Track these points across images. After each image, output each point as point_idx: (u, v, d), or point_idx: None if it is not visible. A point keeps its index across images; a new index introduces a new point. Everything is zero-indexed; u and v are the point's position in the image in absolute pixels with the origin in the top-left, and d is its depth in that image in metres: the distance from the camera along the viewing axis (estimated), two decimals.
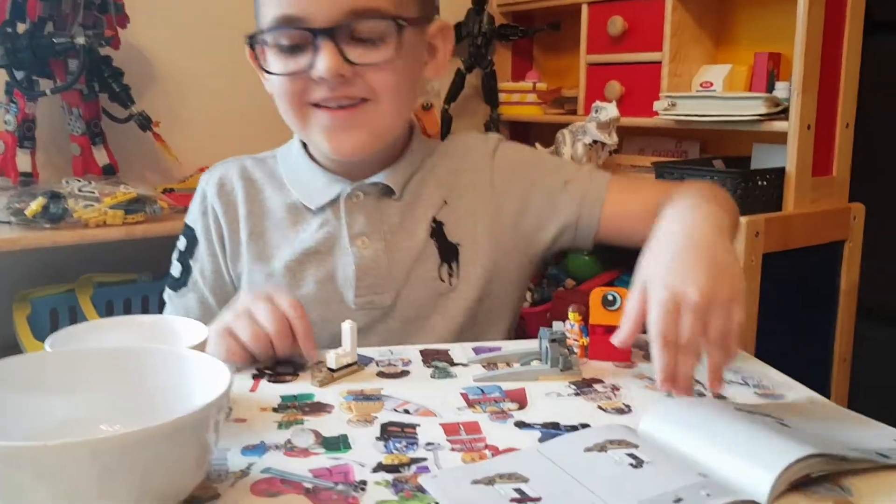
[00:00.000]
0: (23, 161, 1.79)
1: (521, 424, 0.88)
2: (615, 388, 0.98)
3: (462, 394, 0.97)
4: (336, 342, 1.12)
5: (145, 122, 1.88)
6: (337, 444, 0.83)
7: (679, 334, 0.84)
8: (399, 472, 0.76)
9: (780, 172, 1.65)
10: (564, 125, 2.07)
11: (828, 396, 0.97)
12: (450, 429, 0.86)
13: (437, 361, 1.09)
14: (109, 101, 1.90)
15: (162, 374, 0.78)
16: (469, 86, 2.54)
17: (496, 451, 0.81)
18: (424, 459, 0.79)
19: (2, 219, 1.66)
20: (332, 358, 1.01)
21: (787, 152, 1.65)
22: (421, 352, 1.12)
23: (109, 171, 1.89)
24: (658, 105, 1.87)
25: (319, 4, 1.10)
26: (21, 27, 1.71)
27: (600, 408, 0.92)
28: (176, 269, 1.32)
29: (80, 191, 1.66)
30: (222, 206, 1.29)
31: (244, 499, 0.71)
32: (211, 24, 2.03)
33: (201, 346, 0.89)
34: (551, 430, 0.86)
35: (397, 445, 0.82)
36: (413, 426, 0.87)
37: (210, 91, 2.06)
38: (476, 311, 1.27)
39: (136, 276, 1.88)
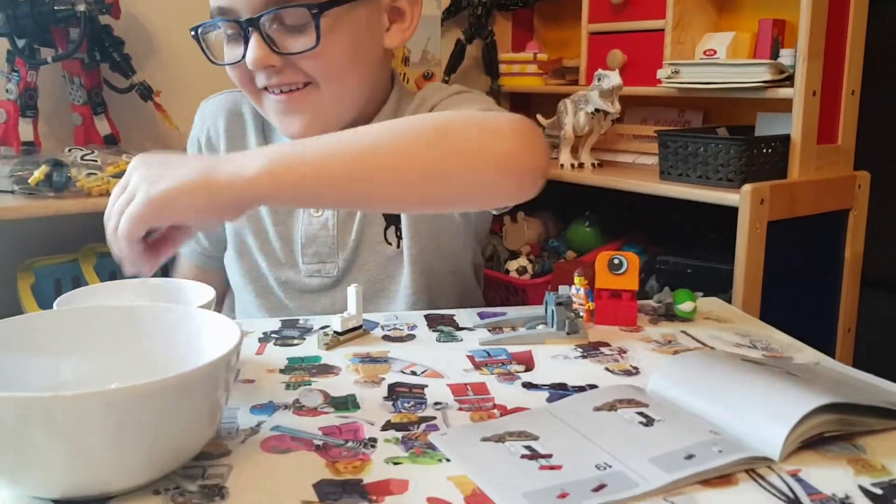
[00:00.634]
0: (25, 130, 1.78)
1: (528, 385, 0.88)
2: (622, 351, 0.98)
3: (468, 356, 0.97)
4: (298, 305, 1.19)
5: (146, 92, 1.87)
6: (345, 403, 0.83)
7: None
8: (408, 430, 0.76)
9: (786, 140, 1.64)
10: (566, 96, 2.06)
11: None
12: (457, 389, 0.87)
13: (443, 326, 1.09)
14: (110, 71, 1.89)
15: (172, 332, 0.78)
16: (469, 57, 2.52)
17: (504, 411, 0.81)
18: (433, 418, 0.79)
19: (5, 188, 1.65)
20: (338, 321, 1.01)
21: (791, 120, 1.64)
22: (426, 316, 1.13)
23: (111, 141, 1.88)
24: (661, 73, 1.85)
25: None
26: None
27: (608, 370, 0.92)
28: None
29: (82, 159, 1.65)
30: (206, 143, 1.31)
31: (255, 455, 0.71)
32: None
33: (209, 306, 0.88)
34: (559, 390, 0.86)
35: (406, 405, 0.82)
36: (421, 387, 0.87)
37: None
38: (428, 274, 1.25)
39: None
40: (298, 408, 0.82)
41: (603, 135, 2.04)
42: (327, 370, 0.92)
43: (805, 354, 0.97)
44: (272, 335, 1.05)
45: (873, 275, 1.83)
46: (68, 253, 1.84)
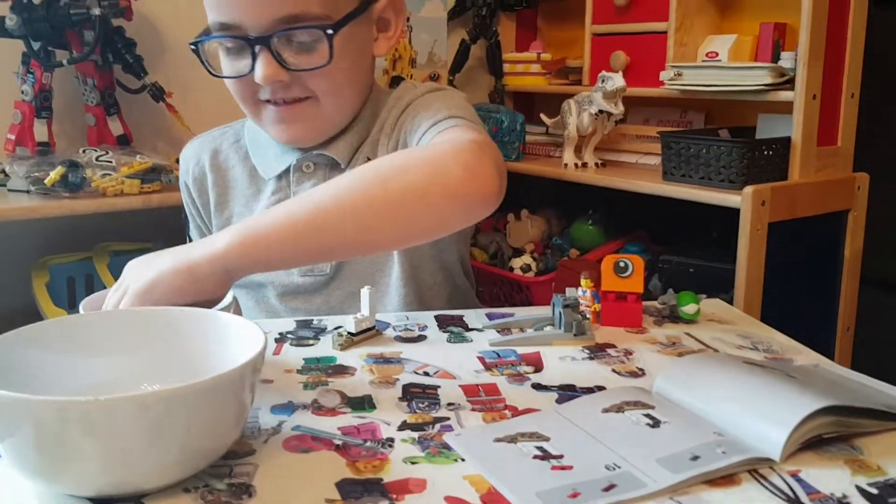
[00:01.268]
0: (40, 131, 1.80)
1: (538, 386, 0.91)
2: (628, 353, 1.01)
3: (479, 357, 1.00)
4: (289, 307, 1.24)
5: (158, 93, 1.90)
6: (362, 403, 0.86)
7: None
8: (424, 430, 0.79)
9: (786, 142, 1.67)
10: (569, 95, 2.09)
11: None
12: (469, 390, 0.90)
13: (453, 327, 1.12)
14: (123, 72, 1.91)
15: (197, 335, 0.81)
16: (473, 57, 2.55)
17: (516, 412, 0.84)
18: (447, 419, 0.82)
19: (21, 187, 1.68)
20: (352, 323, 1.04)
21: (792, 122, 1.67)
22: (436, 317, 1.15)
23: (124, 141, 1.91)
24: (664, 75, 1.88)
25: (251, 13, 1.11)
26: None
27: (614, 371, 0.95)
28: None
29: (97, 160, 1.68)
30: (194, 183, 1.34)
31: (278, 454, 0.74)
32: None
33: (227, 309, 0.91)
34: (568, 391, 0.89)
35: (420, 405, 0.85)
36: (434, 387, 0.90)
37: None
38: (416, 267, 1.28)
39: (151, 244, 1.90)
40: (317, 408, 0.85)
41: (606, 135, 2.07)
42: (343, 371, 0.95)
43: (805, 356, 1.00)
44: (288, 335, 1.08)
45: (872, 274, 1.86)
46: (82, 251, 1.87)
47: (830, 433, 0.75)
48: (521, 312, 1.16)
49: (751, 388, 0.80)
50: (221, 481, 0.69)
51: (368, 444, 0.76)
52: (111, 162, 1.69)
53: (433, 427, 0.80)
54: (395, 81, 2.27)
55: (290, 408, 0.85)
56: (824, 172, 1.73)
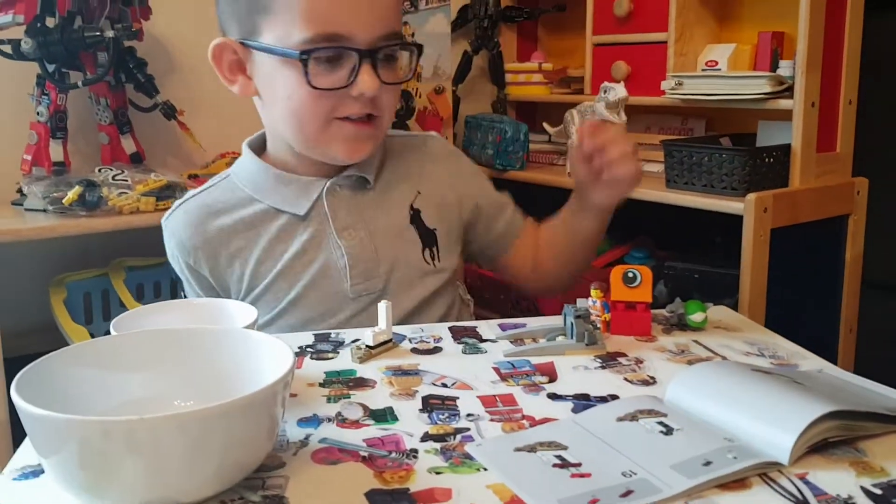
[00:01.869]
0: (55, 151, 1.83)
1: (553, 396, 0.94)
2: (638, 361, 1.04)
3: (494, 368, 1.03)
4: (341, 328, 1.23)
5: (170, 111, 1.92)
6: (384, 416, 0.89)
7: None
8: (445, 441, 0.82)
9: (786, 149, 1.70)
10: (570, 105, 2.11)
11: (835, 364, 1.03)
12: (487, 401, 0.93)
13: (467, 338, 1.15)
14: (134, 91, 1.94)
15: (227, 352, 0.85)
16: (476, 67, 2.58)
17: (533, 421, 0.87)
18: (468, 429, 0.85)
19: (37, 206, 1.71)
20: (370, 336, 1.07)
21: (792, 129, 1.70)
22: (450, 328, 1.19)
23: (136, 159, 1.94)
24: (665, 85, 1.91)
25: (364, 27, 1.17)
26: (50, 21, 1.75)
27: (626, 380, 0.98)
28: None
29: (113, 179, 1.71)
30: (193, 251, 1.31)
31: (308, 466, 0.77)
32: None
33: (252, 326, 0.95)
34: (582, 401, 0.92)
35: (440, 417, 0.88)
36: (452, 399, 0.93)
37: None
38: (454, 285, 1.39)
39: (165, 259, 1.94)
40: (341, 420, 0.88)
41: None
42: (363, 383, 0.98)
43: (809, 362, 1.03)
44: (308, 349, 1.11)
45: (873, 276, 1.89)
46: (98, 267, 1.90)
47: (835, 437, 0.78)
48: (533, 323, 1.19)
49: (759, 394, 0.84)
50: (256, 493, 0.72)
51: (393, 455, 0.80)
52: (126, 180, 1.72)
53: (454, 437, 0.83)
54: (404, 96, 2.32)
55: (315, 421, 0.88)
56: (824, 178, 1.76)
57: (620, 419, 0.84)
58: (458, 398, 0.94)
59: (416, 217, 1.33)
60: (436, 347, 1.11)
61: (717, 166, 1.71)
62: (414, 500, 0.71)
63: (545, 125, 2.26)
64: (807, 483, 0.72)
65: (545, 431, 0.84)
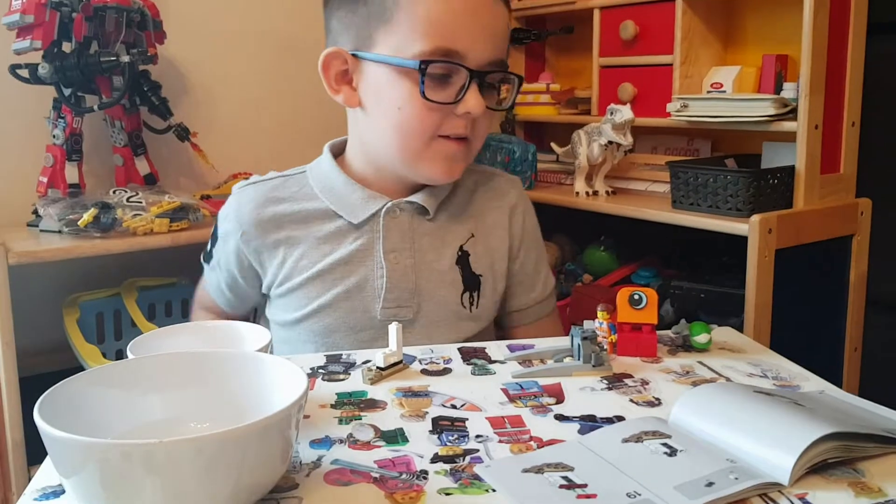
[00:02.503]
0: (71, 173, 1.86)
1: (560, 417, 0.96)
2: (644, 383, 1.06)
3: (502, 389, 1.05)
4: (359, 347, 1.26)
5: (183, 133, 1.95)
6: (395, 437, 0.91)
7: None
8: (455, 462, 0.84)
9: (790, 171, 1.72)
10: (578, 125, 2.13)
11: (840, 382, 1.05)
12: (496, 422, 0.95)
13: (476, 359, 1.17)
14: (149, 113, 1.97)
15: (242, 374, 0.87)
16: None
17: (540, 443, 0.89)
18: (476, 451, 0.87)
19: (52, 228, 1.74)
20: (381, 357, 1.10)
21: (796, 151, 1.72)
22: (459, 349, 1.20)
23: (150, 180, 1.97)
24: (671, 107, 1.93)
25: (480, 48, 1.21)
26: (67, 46, 1.79)
27: (632, 401, 1.00)
28: (209, 246, 1.42)
29: (128, 201, 1.74)
30: (252, 226, 1.33)
31: (321, 487, 0.79)
32: (239, 36, 2.10)
33: (266, 349, 0.97)
34: (589, 422, 0.94)
35: (450, 438, 0.90)
36: (462, 420, 0.95)
37: (240, 101, 2.14)
38: (488, 337, 1.40)
39: (176, 279, 1.97)
40: (353, 442, 0.90)
41: (616, 164, 2.12)
42: (374, 405, 1.00)
43: (811, 383, 1.05)
44: (319, 370, 1.13)
45: (878, 296, 1.91)
46: (110, 287, 1.93)
47: (835, 457, 0.80)
48: (541, 344, 1.21)
49: (760, 416, 0.85)
50: None
51: (404, 476, 0.82)
52: (141, 202, 1.75)
53: (464, 459, 0.85)
54: None
55: (327, 442, 0.90)
56: (828, 199, 1.77)
57: (626, 440, 0.86)
58: (467, 419, 0.95)
59: (463, 259, 1.35)
60: (445, 368, 1.13)
61: (723, 187, 1.73)
62: None
63: (553, 145, 2.28)
64: (806, 503, 0.74)
65: (552, 453, 0.86)
